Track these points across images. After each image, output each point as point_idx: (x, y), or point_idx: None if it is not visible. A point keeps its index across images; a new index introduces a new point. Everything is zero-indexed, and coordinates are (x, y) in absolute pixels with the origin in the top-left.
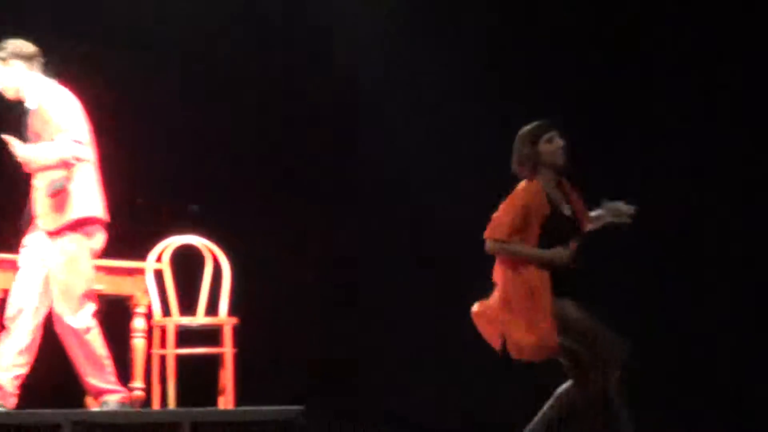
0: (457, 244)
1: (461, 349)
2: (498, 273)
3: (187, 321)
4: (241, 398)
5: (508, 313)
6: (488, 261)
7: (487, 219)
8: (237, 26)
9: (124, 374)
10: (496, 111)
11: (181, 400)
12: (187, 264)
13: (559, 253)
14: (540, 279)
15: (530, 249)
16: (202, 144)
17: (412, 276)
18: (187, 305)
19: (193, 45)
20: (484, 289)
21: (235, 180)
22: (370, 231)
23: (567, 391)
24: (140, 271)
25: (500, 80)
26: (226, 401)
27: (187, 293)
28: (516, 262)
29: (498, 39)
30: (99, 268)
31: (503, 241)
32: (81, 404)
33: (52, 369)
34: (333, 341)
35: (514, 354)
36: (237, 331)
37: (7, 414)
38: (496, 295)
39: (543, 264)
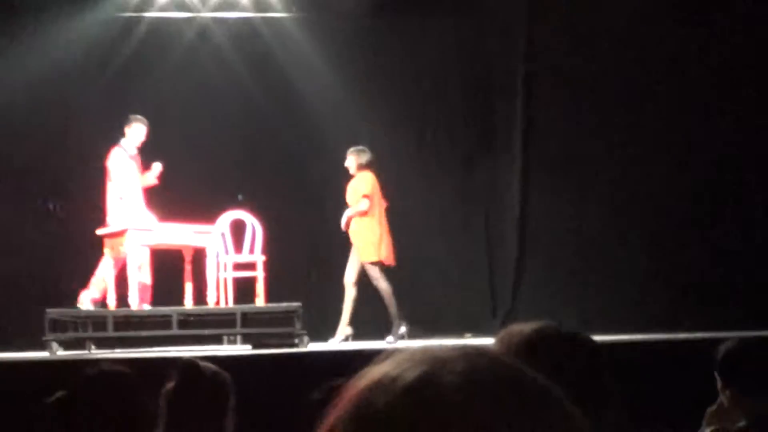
0: None
1: None
2: None
3: (238, 257)
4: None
5: None
6: None
7: None
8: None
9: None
10: None
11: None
12: (238, 228)
13: None
14: None
15: None
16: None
17: None
18: (238, 251)
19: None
20: None
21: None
22: None
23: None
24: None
25: None
26: (258, 302)
27: (238, 243)
28: None
29: None
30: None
31: None
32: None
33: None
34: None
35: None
36: (266, 264)
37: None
38: None
39: None
